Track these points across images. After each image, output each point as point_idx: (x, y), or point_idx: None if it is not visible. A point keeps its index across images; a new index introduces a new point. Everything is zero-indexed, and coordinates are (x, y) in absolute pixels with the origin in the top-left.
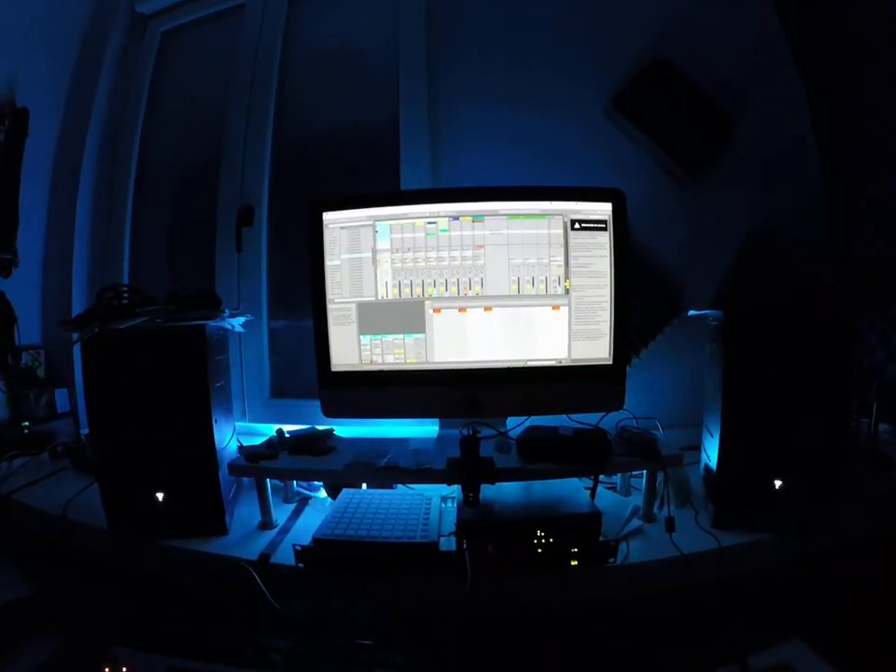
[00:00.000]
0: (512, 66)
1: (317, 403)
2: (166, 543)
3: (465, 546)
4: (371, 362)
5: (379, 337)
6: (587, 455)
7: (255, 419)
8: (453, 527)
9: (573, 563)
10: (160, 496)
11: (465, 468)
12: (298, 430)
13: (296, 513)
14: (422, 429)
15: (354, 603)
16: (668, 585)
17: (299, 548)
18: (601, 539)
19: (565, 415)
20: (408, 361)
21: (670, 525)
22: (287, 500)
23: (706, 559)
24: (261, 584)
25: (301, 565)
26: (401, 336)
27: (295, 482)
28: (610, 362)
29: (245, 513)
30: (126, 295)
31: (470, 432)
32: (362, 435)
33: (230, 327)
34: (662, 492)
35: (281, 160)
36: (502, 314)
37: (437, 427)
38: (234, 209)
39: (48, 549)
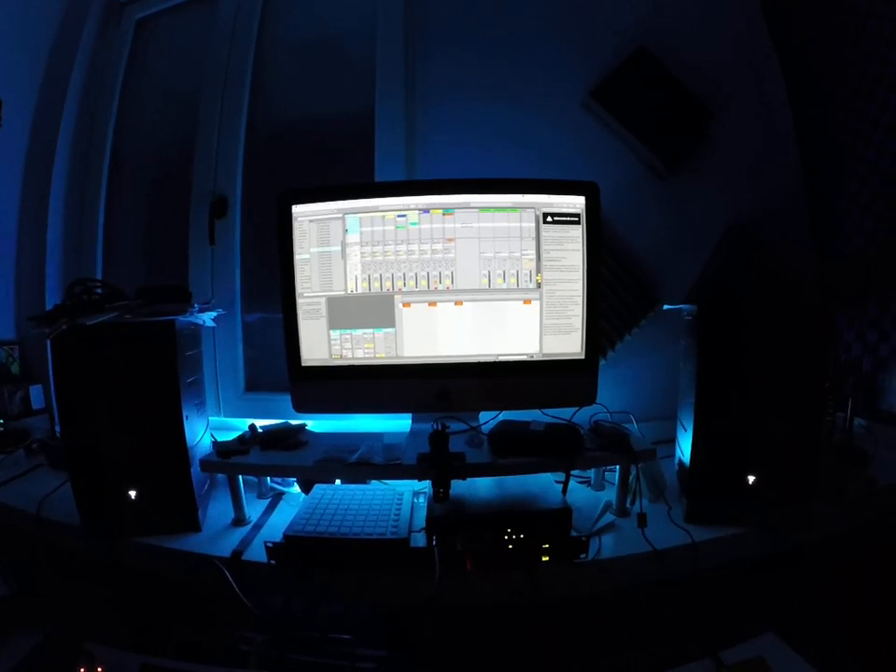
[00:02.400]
0: (490, 58)
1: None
2: (140, 540)
3: (434, 542)
4: (342, 357)
5: (349, 331)
6: (559, 449)
7: (229, 413)
8: (424, 523)
9: (544, 559)
10: (132, 493)
11: (434, 463)
12: (270, 425)
13: (269, 509)
14: (395, 423)
15: (325, 599)
16: (640, 580)
17: (270, 545)
18: (572, 534)
19: (538, 409)
20: (378, 356)
21: (642, 520)
22: (260, 496)
23: (678, 554)
24: (233, 582)
25: (272, 561)
26: (371, 330)
27: (268, 477)
28: (583, 357)
29: (218, 509)
30: (96, 290)
31: (440, 427)
32: (336, 429)
33: (200, 322)
34: (634, 487)
35: (255, 150)
36: (473, 308)
37: (409, 422)
38: (208, 200)
39: (23, 547)
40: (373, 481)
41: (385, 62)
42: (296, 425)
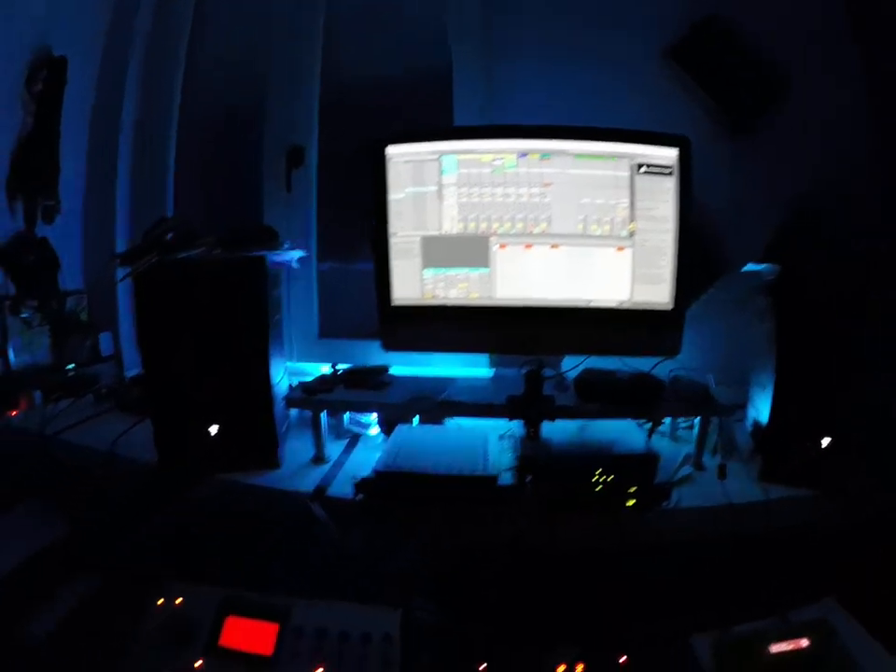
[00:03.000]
0: (564, 16)
1: (366, 343)
2: (219, 477)
3: (527, 480)
4: (434, 296)
5: (443, 271)
6: (644, 397)
7: (302, 359)
8: (510, 464)
9: (628, 503)
10: (213, 429)
11: (529, 400)
12: (351, 366)
13: (347, 450)
14: (472, 371)
15: (413, 535)
16: (716, 534)
17: (358, 480)
18: (657, 481)
19: (619, 363)
20: (471, 296)
21: (722, 472)
22: (338, 438)
23: (752, 510)
24: (320, 514)
25: (359, 496)
26: (465, 271)
27: (347, 419)
28: (670, 308)
29: (294, 450)
30: (179, 229)
31: (536, 367)
32: (414, 374)
33: (288, 260)
34: (716, 441)
35: (330, 101)
36: (567, 252)
37: (485, 370)
38: (282, 150)
39: (93, 488)
40: (453, 424)
41: (461, 16)
42: (377, 366)
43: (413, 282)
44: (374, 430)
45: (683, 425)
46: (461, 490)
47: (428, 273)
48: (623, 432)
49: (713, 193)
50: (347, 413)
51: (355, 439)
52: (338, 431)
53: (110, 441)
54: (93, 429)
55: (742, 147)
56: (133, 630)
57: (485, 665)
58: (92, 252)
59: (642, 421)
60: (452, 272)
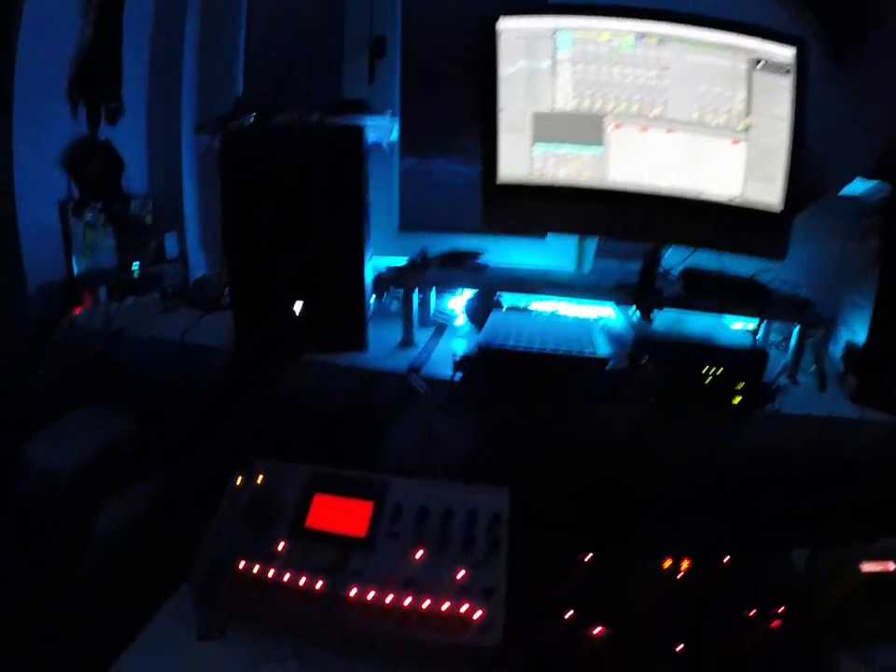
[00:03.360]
0: None
1: (448, 237)
2: (303, 358)
3: (642, 362)
4: (543, 174)
5: (554, 147)
6: (749, 296)
7: (381, 252)
8: (619, 350)
9: (735, 400)
10: (297, 307)
11: (645, 284)
12: (445, 250)
13: (434, 337)
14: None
15: (516, 419)
16: (814, 446)
17: (458, 357)
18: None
19: (718, 265)
20: (582, 176)
21: (822, 383)
22: (422, 327)
23: (845, 426)
24: (422, 385)
25: (459, 375)
26: (577, 149)
27: (433, 307)
28: (780, 210)
29: (378, 337)
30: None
31: (654, 248)
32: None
33: (388, 132)
34: (818, 353)
35: None
36: (682, 139)
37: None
38: (364, 41)
39: (164, 380)
40: (554, 312)
41: None
42: (471, 250)
43: (521, 159)
44: (460, 320)
45: (775, 338)
46: (570, 371)
47: (538, 150)
48: (721, 330)
49: (818, 111)
50: (434, 301)
51: (441, 328)
52: (423, 320)
53: (180, 334)
54: (161, 324)
55: (846, 69)
56: (210, 513)
57: (591, 555)
58: (157, 154)
59: (741, 322)
60: (563, 149)
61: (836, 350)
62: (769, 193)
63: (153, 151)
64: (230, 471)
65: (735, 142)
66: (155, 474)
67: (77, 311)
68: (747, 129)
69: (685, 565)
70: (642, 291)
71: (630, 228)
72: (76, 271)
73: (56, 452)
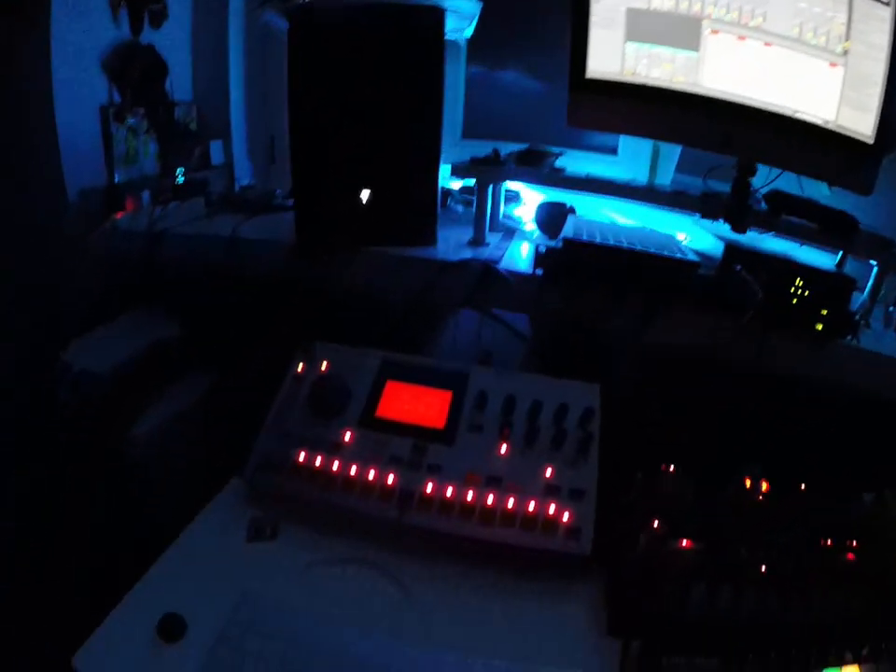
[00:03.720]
0: None
1: (508, 145)
2: (369, 251)
3: (738, 268)
4: (635, 73)
5: (648, 47)
6: (835, 225)
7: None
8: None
9: (818, 327)
10: (364, 195)
11: (739, 191)
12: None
13: (505, 239)
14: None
15: (599, 317)
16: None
17: (542, 250)
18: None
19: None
20: (675, 79)
21: None
22: (491, 230)
23: None
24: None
25: (539, 271)
26: (672, 50)
27: (502, 212)
28: (872, 141)
29: (445, 236)
30: None
31: (744, 160)
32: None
33: (468, 21)
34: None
35: None
36: (780, 54)
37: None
38: None
39: (212, 277)
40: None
41: None
42: (550, 150)
43: (612, 55)
44: (530, 226)
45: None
46: (658, 273)
47: (631, 48)
48: (803, 255)
49: None
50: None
51: (510, 232)
52: (492, 224)
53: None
54: (207, 226)
55: None
56: (267, 405)
57: (673, 466)
58: (203, 60)
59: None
60: (657, 49)
61: None
62: (862, 123)
63: (198, 57)
64: (290, 361)
65: (833, 65)
66: (206, 371)
67: (119, 215)
68: (845, 53)
69: (764, 486)
70: (735, 202)
71: (717, 139)
72: (117, 176)
73: (98, 356)
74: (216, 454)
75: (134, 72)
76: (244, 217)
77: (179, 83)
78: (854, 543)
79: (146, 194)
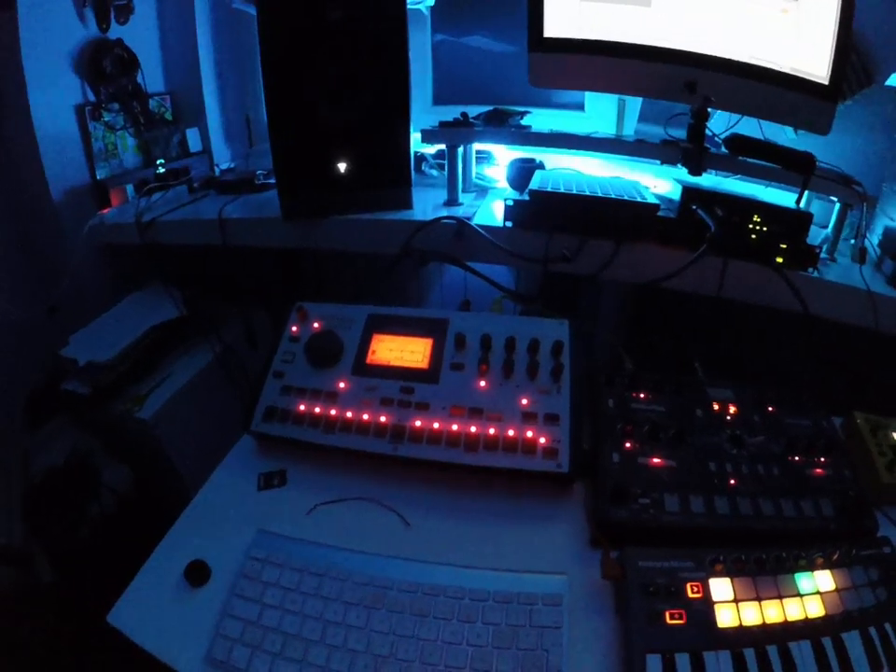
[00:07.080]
0: None
1: (478, 108)
2: (348, 217)
3: (694, 207)
4: (591, 28)
5: (601, 3)
6: (794, 163)
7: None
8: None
9: (778, 259)
10: (341, 165)
11: (695, 136)
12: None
13: (478, 199)
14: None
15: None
16: (851, 318)
17: (510, 202)
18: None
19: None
20: (629, 32)
21: (862, 256)
22: (465, 190)
23: (887, 307)
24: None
25: (509, 223)
26: (624, 4)
27: (475, 173)
28: (826, 82)
29: (421, 198)
30: None
31: (700, 104)
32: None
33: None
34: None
35: None
36: (733, 2)
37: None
38: None
39: (205, 260)
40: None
41: None
42: (518, 109)
43: (568, 12)
44: (503, 184)
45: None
46: (622, 215)
47: (586, 4)
48: (762, 194)
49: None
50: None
51: (483, 191)
52: (464, 186)
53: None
54: (193, 210)
55: None
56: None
57: (644, 392)
58: (172, 51)
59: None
60: (610, 4)
61: (874, 237)
62: (816, 65)
63: (168, 47)
64: (284, 323)
65: (785, 11)
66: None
67: (105, 210)
68: None
69: (732, 409)
70: (691, 146)
71: (676, 87)
72: (99, 174)
73: (101, 346)
74: (223, 415)
75: (105, 68)
76: (228, 200)
77: (152, 75)
78: (823, 459)
79: (129, 187)
